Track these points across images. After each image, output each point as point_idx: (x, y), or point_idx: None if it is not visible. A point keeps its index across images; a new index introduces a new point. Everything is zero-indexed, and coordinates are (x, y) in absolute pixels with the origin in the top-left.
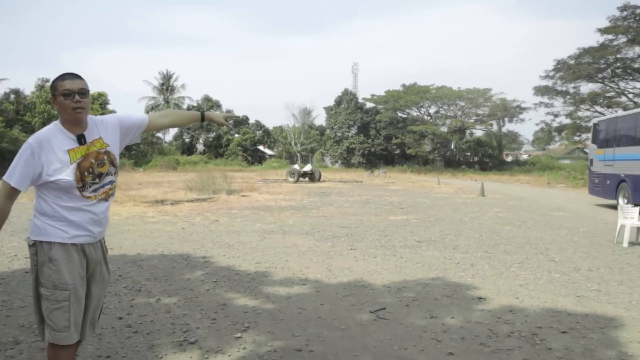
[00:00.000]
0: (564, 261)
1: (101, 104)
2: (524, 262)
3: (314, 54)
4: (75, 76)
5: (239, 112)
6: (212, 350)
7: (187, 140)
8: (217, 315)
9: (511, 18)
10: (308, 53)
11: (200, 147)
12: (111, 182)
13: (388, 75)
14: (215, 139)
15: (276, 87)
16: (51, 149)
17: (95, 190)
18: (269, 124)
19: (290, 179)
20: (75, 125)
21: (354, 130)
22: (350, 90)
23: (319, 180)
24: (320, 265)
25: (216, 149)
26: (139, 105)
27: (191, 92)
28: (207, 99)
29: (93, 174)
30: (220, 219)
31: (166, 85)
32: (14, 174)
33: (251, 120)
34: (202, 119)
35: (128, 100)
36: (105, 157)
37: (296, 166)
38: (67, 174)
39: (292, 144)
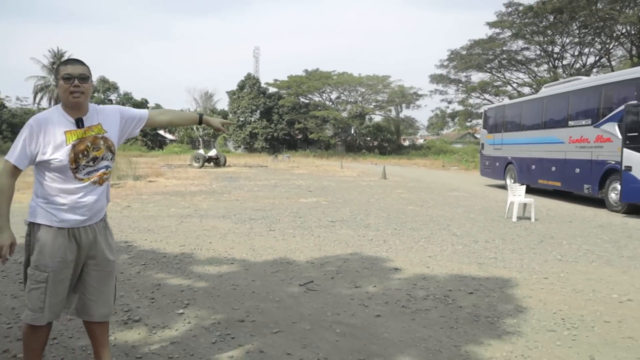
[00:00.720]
0: (464, 235)
1: None
2: (430, 237)
3: (214, 37)
4: (77, 62)
5: (138, 95)
6: (158, 326)
7: None
8: (155, 295)
9: (408, 8)
10: (209, 36)
11: None
12: (106, 167)
13: (290, 60)
14: None
15: (177, 70)
16: (49, 130)
17: (88, 173)
18: (170, 108)
19: (196, 164)
20: (74, 109)
21: (257, 115)
22: (253, 75)
23: (224, 165)
24: (244, 245)
25: None
26: (27, 84)
27: None
28: (103, 81)
29: (87, 157)
30: (132, 204)
31: (57, 64)
32: (14, 152)
33: (151, 104)
34: (200, 121)
35: (13, 78)
36: (102, 142)
37: (201, 151)
38: (62, 154)
39: (194, 128)
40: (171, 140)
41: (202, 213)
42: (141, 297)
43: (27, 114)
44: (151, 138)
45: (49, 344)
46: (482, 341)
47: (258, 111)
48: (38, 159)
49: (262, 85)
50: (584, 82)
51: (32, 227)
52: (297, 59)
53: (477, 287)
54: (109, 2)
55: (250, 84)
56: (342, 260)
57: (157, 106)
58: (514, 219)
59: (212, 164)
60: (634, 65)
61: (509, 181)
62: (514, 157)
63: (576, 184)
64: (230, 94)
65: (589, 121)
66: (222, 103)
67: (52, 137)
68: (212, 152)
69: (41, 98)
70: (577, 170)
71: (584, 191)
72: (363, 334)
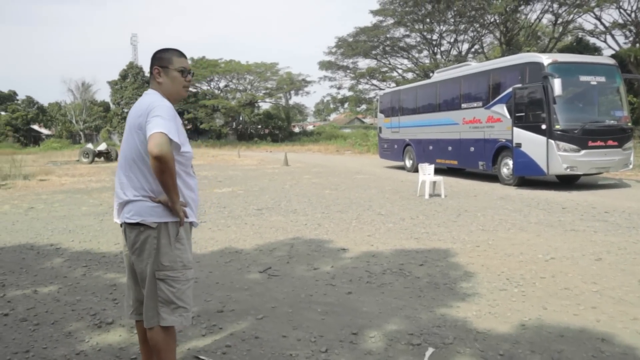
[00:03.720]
0: (389, 214)
1: None
2: (359, 218)
3: (88, 24)
4: (184, 55)
5: (4, 87)
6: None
7: None
8: (115, 295)
9: None
10: (82, 22)
11: None
12: None
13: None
14: None
15: (49, 60)
16: (178, 119)
17: (192, 167)
18: (44, 101)
19: (85, 160)
20: (176, 102)
21: None
22: (136, 64)
23: (115, 159)
24: None
25: None
26: None
27: None
28: None
29: None
30: (35, 205)
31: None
32: (172, 129)
33: (21, 96)
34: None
35: None
36: None
37: (90, 145)
38: (189, 147)
39: (73, 122)
40: (47, 135)
41: None
42: (102, 300)
43: None
44: (24, 133)
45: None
46: (451, 304)
47: None
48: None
49: (146, 74)
50: (473, 67)
51: (166, 227)
52: (180, 46)
53: (424, 260)
54: None
55: (133, 73)
56: (287, 245)
57: (28, 98)
58: (427, 196)
59: (102, 158)
60: (503, 51)
61: (407, 162)
62: (411, 139)
63: (472, 162)
64: (112, 84)
65: (480, 103)
66: (103, 94)
67: (180, 125)
68: (102, 146)
69: None
70: (472, 149)
71: (479, 167)
72: (344, 310)
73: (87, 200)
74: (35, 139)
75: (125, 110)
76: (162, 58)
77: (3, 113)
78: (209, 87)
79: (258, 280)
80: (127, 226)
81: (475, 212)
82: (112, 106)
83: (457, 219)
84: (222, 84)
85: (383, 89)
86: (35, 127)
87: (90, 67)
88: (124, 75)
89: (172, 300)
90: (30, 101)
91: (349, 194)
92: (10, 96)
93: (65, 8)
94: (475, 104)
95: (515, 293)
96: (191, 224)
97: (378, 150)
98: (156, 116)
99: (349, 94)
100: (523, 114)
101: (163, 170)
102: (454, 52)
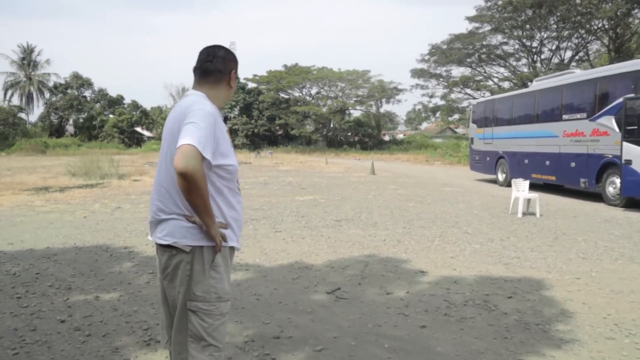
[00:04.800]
0: (476, 233)
1: None
2: (443, 235)
3: (190, 32)
4: None
5: (113, 92)
6: None
7: (55, 121)
8: None
9: (385, 2)
10: (184, 31)
11: (70, 128)
12: None
13: (267, 55)
14: (88, 119)
15: (153, 66)
16: (221, 126)
17: (237, 182)
18: (147, 104)
19: None
20: (222, 106)
21: (236, 111)
22: None
23: None
24: (254, 249)
25: (89, 131)
26: None
27: (58, 69)
28: (76, 77)
29: None
30: (122, 205)
31: (27, 60)
32: (207, 143)
33: (127, 100)
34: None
35: None
36: None
37: None
38: (233, 159)
39: None
40: (149, 137)
41: None
42: (157, 312)
43: None
44: (128, 135)
45: None
46: (544, 352)
47: (237, 107)
48: (214, 161)
49: (241, 80)
50: (577, 75)
51: (201, 251)
52: (275, 54)
53: (513, 291)
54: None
55: None
56: (361, 263)
57: (134, 102)
58: (520, 214)
59: None
60: (611, 58)
61: (500, 176)
62: (505, 152)
63: (572, 178)
64: None
65: (584, 115)
66: None
67: (222, 135)
68: None
69: (12, 95)
70: (573, 164)
71: (580, 185)
72: (414, 349)
73: None
74: (137, 141)
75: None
76: (235, 61)
77: (111, 116)
78: (300, 94)
79: (324, 302)
80: (159, 247)
81: (575, 235)
82: None
83: (554, 243)
84: (313, 91)
85: (477, 98)
86: (139, 129)
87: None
88: None
89: (202, 337)
90: (135, 105)
91: (435, 207)
92: (118, 100)
93: (173, 18)
94: (578, 116)
95: (627, 345)
96: (231, 248)
97: (469, 162)
98: (190, 123)
99: (441, 102)
100: (635, 127)
101: (189, 189)
102: (555, 60)
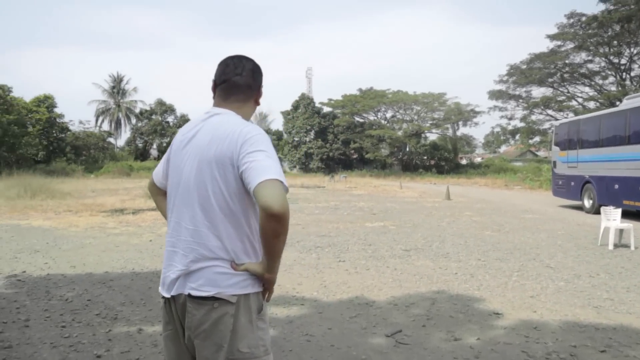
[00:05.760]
0: (560, 267)
1: (48, 107)
2: (522, 270)
3: (267, 58)
4: None
5: (193, 117)
6: None
7: (140, 145)
8: None
9: (460, 24)
10: (261, 57)
11: (154, 152)
12: None
13: (342, 80)
14: (170, 144)
15: None
16: None
17: None
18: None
19: None
20: None
21: (311, 135)
22: (307, 95)
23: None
24: (313, 280)
25: None
26: (89, 108)
27: (144, 96)
28: (160, 103)
29: None
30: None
31: (117, 88)
32: (280, 171)
33: None
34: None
35: (77, 103)
36: None
37: None
38: None
39: None
40: None
41: None
42: None
43: (90, 136)
44: None
45: None
46: None
47: (313, 131)
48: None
49: (317, 104)
50: None
51: (247, 299)
52: (350, 78)
53: (607, 343)
54: (164, 29)
55: (304, 103)
56: (429, 300)
57: None
58: (611, 246)
59: None
60: None
61: (586, 202)
62: (592, 176)
63: None
64: (285, 114)
65: None
66: (277, 124)
67: None
68: None
69: (102, 121)
70: None
71: None
72: None
73: None
74: None
75: (296, 138)
76: (260, 78)
77: None
78: (375, 118)
79: (382, 347)
80: (192, 301)
81: None
82: (284, 135)
83: None
84: (389, 115)
85: (559, 120)
86: None
87: (267, 98)
88: (295, 106)
89: None
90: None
91: (513, 237)
92: None
93: (253, 45)
94: None
95: None
96: None
97: (551, 187)
98: (260, 151)
99: (520, 124)
100: None
101: (280, 233)
102: None
